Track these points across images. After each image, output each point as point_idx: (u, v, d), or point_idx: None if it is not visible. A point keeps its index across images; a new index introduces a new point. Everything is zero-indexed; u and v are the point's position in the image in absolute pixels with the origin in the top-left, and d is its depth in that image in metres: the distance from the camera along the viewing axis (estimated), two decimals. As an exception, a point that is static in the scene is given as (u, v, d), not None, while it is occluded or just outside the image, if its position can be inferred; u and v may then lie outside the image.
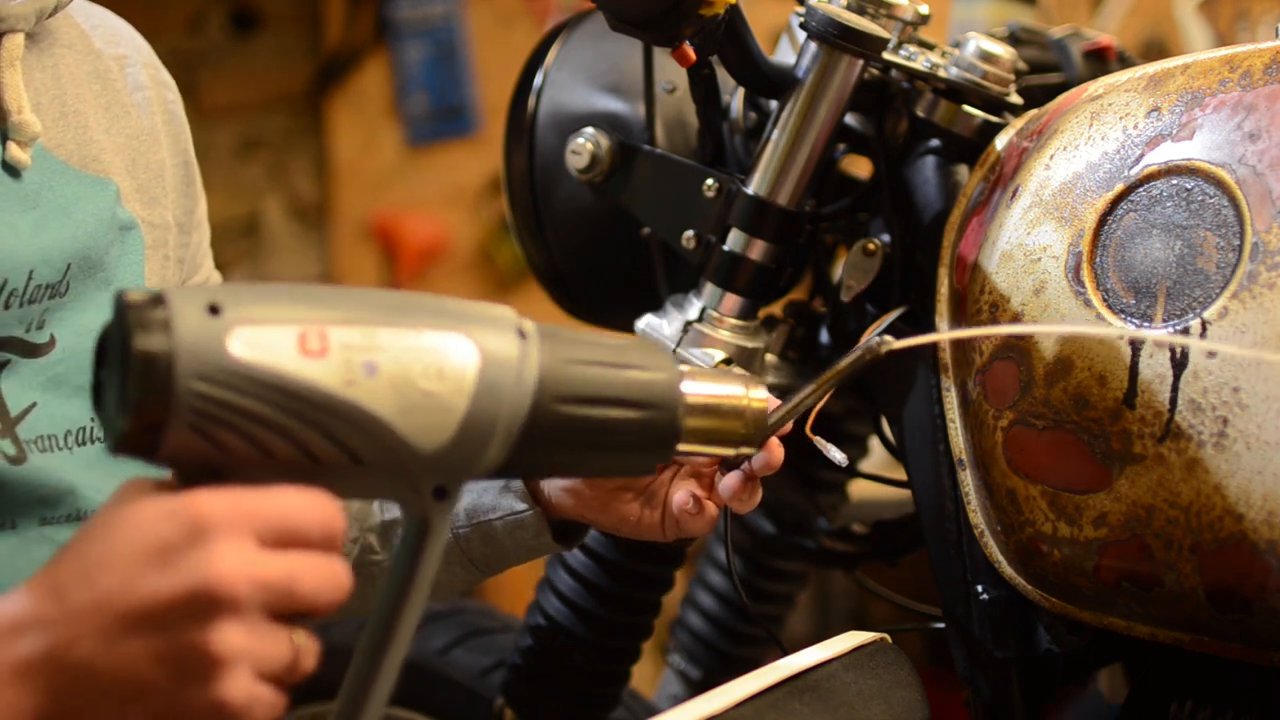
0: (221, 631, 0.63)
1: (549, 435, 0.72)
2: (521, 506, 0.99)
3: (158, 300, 0.63)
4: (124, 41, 1.06)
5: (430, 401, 0.67)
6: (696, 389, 0.79)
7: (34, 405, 0.91)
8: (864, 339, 0.92)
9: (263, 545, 0.64)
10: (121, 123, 1.02)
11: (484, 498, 1.01)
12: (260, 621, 0.64)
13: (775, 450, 0.89)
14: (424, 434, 0.67)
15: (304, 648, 0.66)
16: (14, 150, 0.92)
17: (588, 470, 0.85)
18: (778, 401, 0.88)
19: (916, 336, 0.87)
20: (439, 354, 0.68)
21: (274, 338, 0.64)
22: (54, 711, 0.64)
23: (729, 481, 0.91)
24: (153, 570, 0.63)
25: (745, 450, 0.83)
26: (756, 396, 0.82)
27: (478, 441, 0.69)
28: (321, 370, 0.65)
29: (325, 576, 0.66)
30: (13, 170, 0.92)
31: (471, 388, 0.69)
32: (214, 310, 0.63)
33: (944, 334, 1.02)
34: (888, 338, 0.85)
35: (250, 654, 0.64)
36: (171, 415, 0.62)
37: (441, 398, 0.68)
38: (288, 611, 0.65)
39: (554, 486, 0.98)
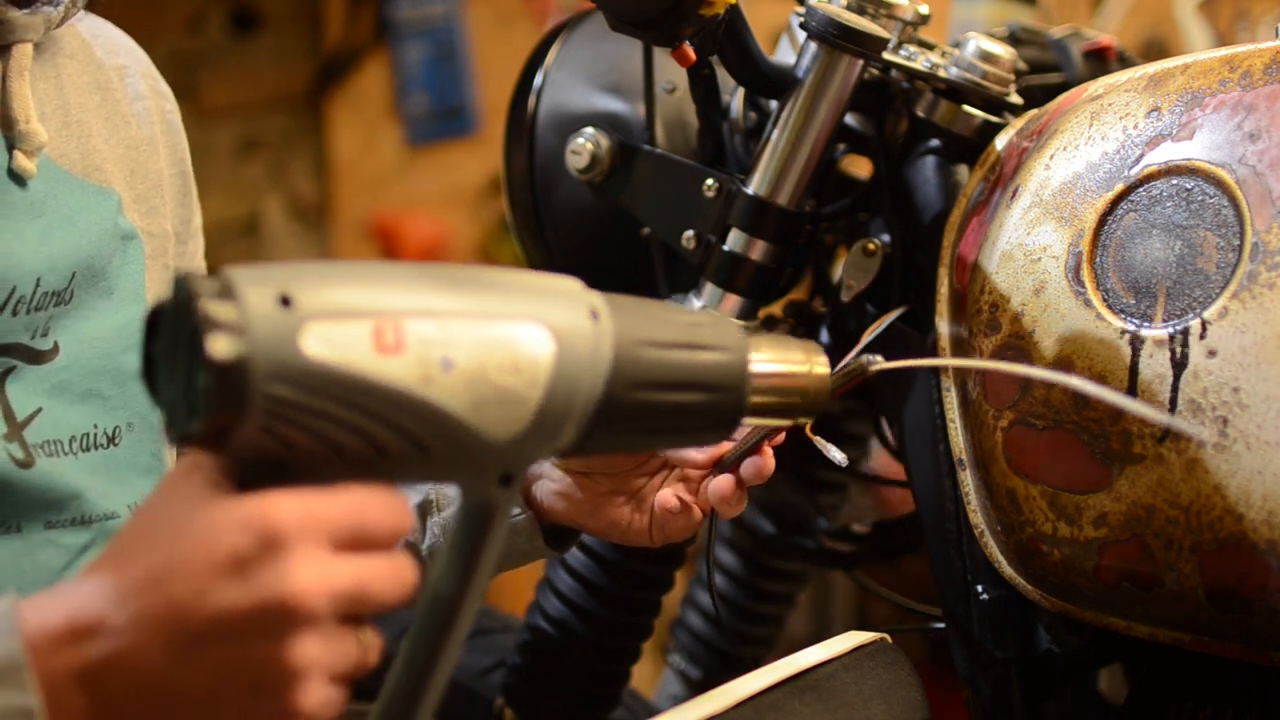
0: (298, 644, 0.62)
1: (619, 420, 0.70)
2: (514, 511, 0.99)
3: (226, 290, 0.61)
4: (123, 52, 1.07)
5: (504, 395, 0.65)
6: (762, 364, 0.77)
7: (40, 410, 0.91)
8: (864, 339, 0.92)
9: (334, 551, 0.63)
10: (121, 132, 1.02)
11: None
12: (333, 628, 0.63)
13: (767, 459, 0.90)
14: (497, 427, 0.65)
15: (369, 644, 0.65)
16: (20, 159, 0.92)
17: (651, 447, 0.83)
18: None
19: (905, 360, 0.88)
20: (514, 346, 0.66)
21: (348, 334, 0.62)
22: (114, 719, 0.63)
23: (717, 485, 0.91)
24: (228, 582, 0.61)
25: (802, 420, 0.81)
26: (819, 367, 0.80)
27: (549, 430, 0.68)
28: (398, 368, 0.62)
29: (394, 577, 0.65)
30: (19, 179, 0.92)
31: (546, 379, 0.67)
32: (285, 301, 0.61)
33: (933, 360, 1.02)
34: (877, 357, 0.85)
35: (324, 663, 0.63)
36: (244, 420, 0.60)
37: (516, 390, 0.66)
38: (358, 614, 0.64)
39: (545, 491, 0.99)
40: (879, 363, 0.83)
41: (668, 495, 0.93)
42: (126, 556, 0.64)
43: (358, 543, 0.64)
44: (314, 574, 0.62)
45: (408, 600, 0.66)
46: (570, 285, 0.70)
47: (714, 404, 0.74)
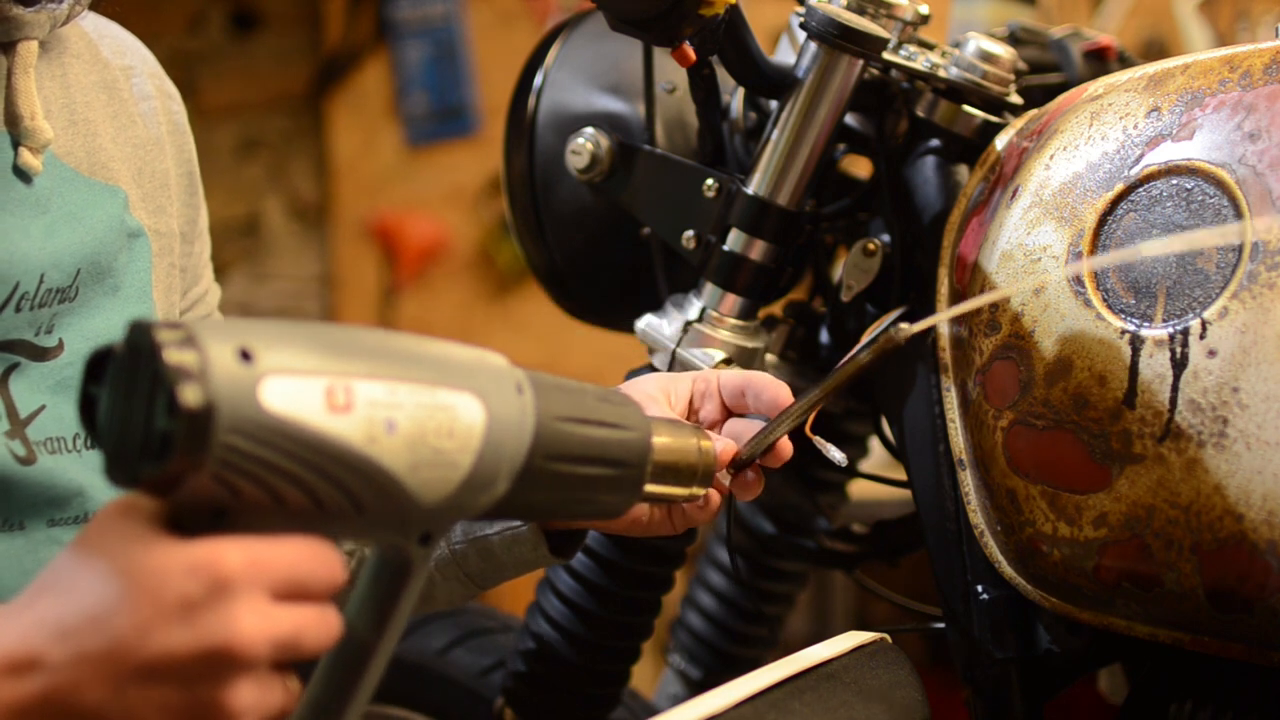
0: (236, 688, 0.63)
1: (533, 488, 0.75)
2: (517, 522, 0.99)
3: (188, 340, 0.62)
4: (130, 52, 1.07)
5: (439, 459, 0.69)
6: (661, 443, 0.85)
7: (43, 408, 0.91)
8: (864, 339, 0.92)
9: (275, 599, 0.65)
10: (128, 132, 1.02)
11: None
12: (267, 674, 0.65)
13: (785, 445, 0.92)
14: (428, 489, 0.69)
15: (293, 690, 0.67)
16: (26, 156, 0.92)
17: (561, 515, 0.88)
18: (729, 445, 0.92)
19: (930, 318, 0.88)
20: (451, 412, 0.69)
21: (303, 391, 0.64)
22: None
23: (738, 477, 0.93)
24: (174, 624, 0.62)
25: (697, 491, 0.89)
26: (706, 447, 0.89)
27: (474, 495, 0.72)
28: (347, 426, 0.65)
29: (324, 628, 0.67)
30: (24, 176, 0.93)
31: (478, 446, 0.71)
32: (245, 356, 0.63)
33: (953, 310, 1.02)
34: (903, 325, 0.85)
35: (257, 707, 0.64)
36: (201, 467, 0.62)
37: (450, 455, 0.69)
38: (289, 661, 0.66)
39: None
40: (906, 329, 0.84)
41: None
42: (64, 593, 0.64)
43: (296, 593, 0.65)
44: (257, 621, 0.63)
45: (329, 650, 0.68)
46: (498, 360, 0.74)
47: (619, 478, 0.81)
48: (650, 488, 0.85)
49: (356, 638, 0.71)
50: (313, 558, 0.66)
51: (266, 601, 0.64)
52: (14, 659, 0.63)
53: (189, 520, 0.65)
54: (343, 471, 0.65)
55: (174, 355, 0.61)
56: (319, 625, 0.66)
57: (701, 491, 0.90)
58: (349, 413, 0.65)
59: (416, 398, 0.68)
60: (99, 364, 0.66)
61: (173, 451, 0.61)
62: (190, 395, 0.61)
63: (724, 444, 0.91)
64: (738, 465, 0.92)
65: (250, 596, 0.63)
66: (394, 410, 0.67)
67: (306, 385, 0.64)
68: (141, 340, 0.62)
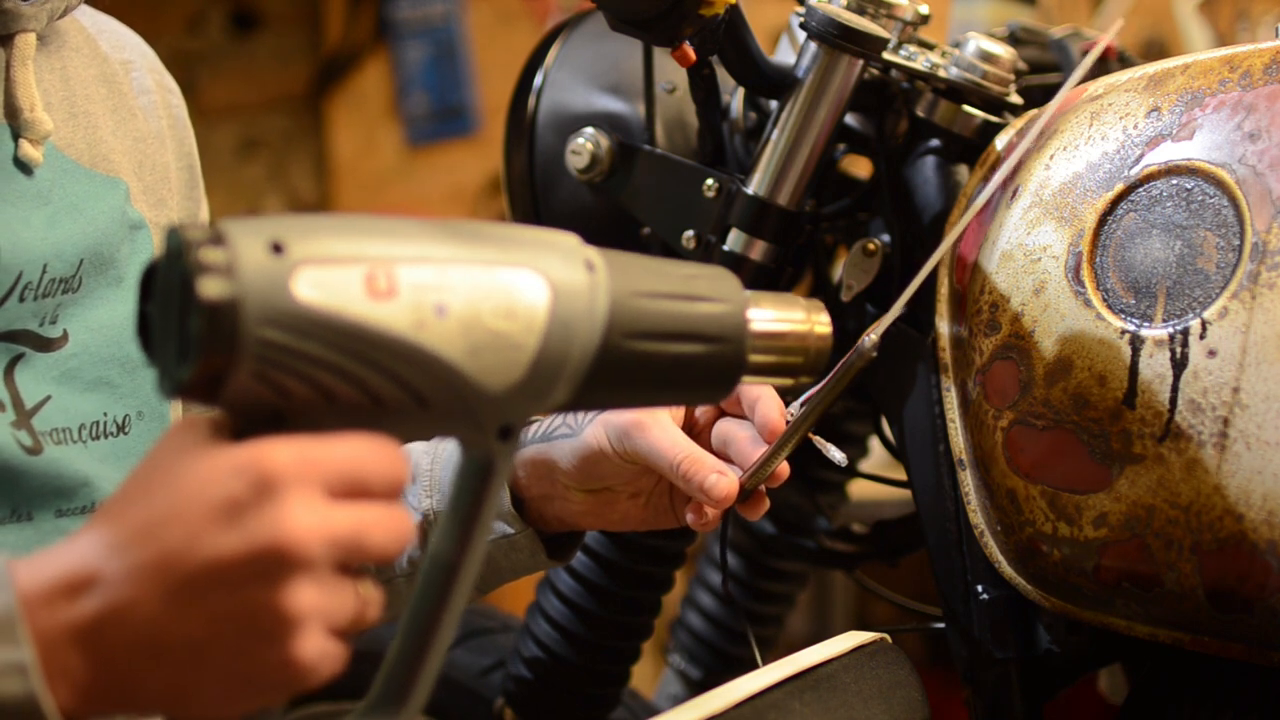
0: (294, 590, 0.61)
1: (616, 371, 0.69)
2: (510, 530, 0.99)
3: (218, 238, 0.60)
4: (129, 47, 1.07)
5: (500, 341, 0.65)
6: (762, 318, 0.77)
7: (49, 398, 0.91)
8: (864, 339, 0.92)
9: (331, 498, 0.62)
10: (128, 125, 1.03)
11: None
12: (329, 576, 0.62)
13: (783, 467, 0.91)
14: (493, 375, 0.65)
15: (369, 598, 0.64)
16: (26, 148, 0.92)
17: (651, 403, 0.82)
18: (772, 395, 0.90)
19: (886, 316, 0.89)
20: (509, 292, 0.65)
21: (340, 279, 0.61)
22: (114, 674, 0.62)
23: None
24: (222, 528, 0.60)
25: (804, 380, 0.80)
26: (820, 324, 0.80)
27: (547, 380, 0.67)
28: (390, 313, 0.62)
29: (391, 527, 0.64)
30: (25, 167, 0.93)
31: (542, 326, 0.66)
32: (277, 248, 0.60)
33: (900, 301, 0.94)
34: (871, 336, 0.86)
35: (321, 611, 0.62)
36: (236, 363, 0.60)
37: (512, 337, 0.65)
38: (355, 564, 0.63)
39: (567, 511, 0.98)
40: (872, 339, 0.84)
41: (688, 516, 0.94)
42: (120, 510, 0.63)
43: (355, 491, 0.63)
44: (309, 519, 0.61)
45: (402, 553, 0.64)
46: (566, 239, 0.69)
47: (713, 356, 0.72)
48: (751, 376, 0.76)
49: (441, 551, 0.68)
50: (372, 453, 0.63)
51: (321, 499, 0.61)
52: (71, 579, 0.62)
53: (245, 427, 0.63)
54: (394, 361, 0.62)
55: (202, 253, 0.59)
56: (385, 524, 0.63)
57: (808, 380, 0.80)
58: (392, 299, 0.62)
59: (469, 278, 0.64)
60: (149, 281, 0.64)
61: (202, 348, 0.59)
62: (211, 288, 0.59)
63: (728, 482, 0.90)
64: (744, 496, 0.92)
65: (302, 493, 0.61)
66: (443, 293, 0.63)
67: (344, 273, 0.61)
68: (174, 243, 0.61)
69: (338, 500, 0.62)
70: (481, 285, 0.64)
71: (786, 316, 0.78)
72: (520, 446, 0.71)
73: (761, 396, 0.92)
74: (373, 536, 0.63)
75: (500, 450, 0.67)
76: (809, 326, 0.79)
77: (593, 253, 0.69)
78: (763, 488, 0.93)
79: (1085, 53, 1.28)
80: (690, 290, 0.72)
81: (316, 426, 0.62)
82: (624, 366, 0.70)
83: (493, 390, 0.65)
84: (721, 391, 0.75)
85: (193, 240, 0.60)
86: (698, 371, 0.73)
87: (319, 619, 0.62)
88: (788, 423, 0.91)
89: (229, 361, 0.60)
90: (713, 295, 0.73)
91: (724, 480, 0.90)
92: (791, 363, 0.78)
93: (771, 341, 0.77)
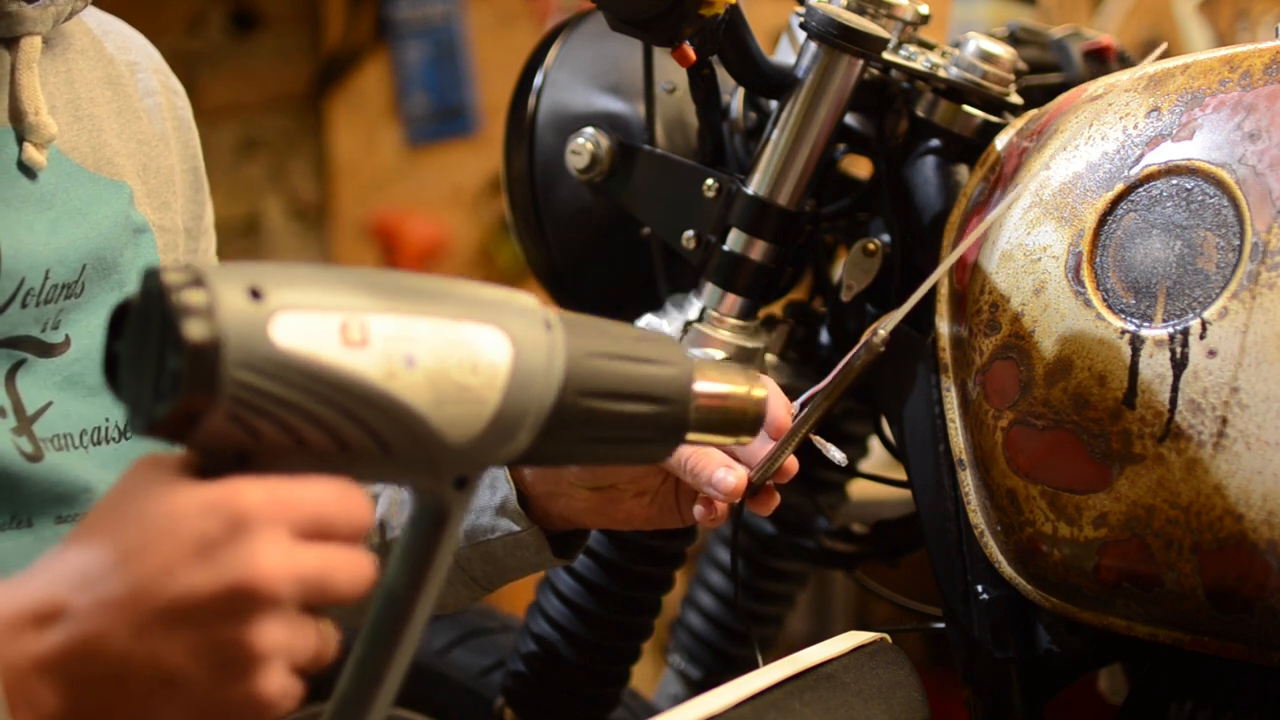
0: (262, 627, 0.62)
1: (569, 427, 0.73)
2: (517, 528, 0.99)
3: (197, 280, 0.62)
4: (135, 48, 1.07)
5: (465, 395, 0.67)
6: (705, 383, 0.81)
7: (50, 404, 0.91)
8: (864, 338, 0.92)
9: (299, 539, 0.63)
10: (133, 127, 1.02)
11: (481, 519, 1.00)
12: (295, 615, 0.64)
13: (791, 462, 0.91)
14: (455, 427, 0.67)
15: (328, 637, 0.66)
16: (30, 151, 0.92)
17: (601, 460, 0.85)
18: (779, 394, 0.90)
19: (898, 311, 0.89)
20: (474, 347, 0.68)
21: (317, 326, 0.63)
22: (81, 706, 0.62)
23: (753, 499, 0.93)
24: (194, 564, 0.61)
25: (744, 439, 0.84)
26: (757, 387, 0.84)
27: (505, 434, 0.69)
28: (363, 361, 0.64)
29: (354, 570, 0.65)
30: (29, 171, 0.93)
31: (504, 382, 0.69)
32: (255, 294, 0.62)
33: (912, 298, 0.96)
34: (880, 331, 0.87)
35: (286, 648, 0.63)
36: (214, 404, 0.61)
37: (475, 391, 0.67)
38: (319, 604, 0.65)
39: (572, 509, 0.98)
40: (882, 334, 0.85)
41: (697, 509, 0.94)
42: (88, 542, 0.64)
43: (321, 533, 0.64)
44: (279, 558, 0.62)
45: (363, 596, 0.66)
46: (526, 299, 0.72)
47: (660, 416, 0.77)
48: (694, 434, 0.81)
49: (395, 589, 0.70)
50: (338, 498, 0.65)
51: (289, 539, 0.63)
52: (39, 610, 0.62)
53: (212, 466, 0.64)
54: (363, 409, 0.64)
55: (182, 295, 0.61)
56: (348, 566, 0.65)
57: (748, 440, 0.85)
58: (365, 348, 0.64)
59: (436, 332, 0.66)
60: (119, 320, 0.65)
61: (182, 388, 0.61)
62: (195, 330, 0.61)
63: (737, 476, 0.90)
64: (753, 491, 0.92)
65: (271, 533, 0.62)
66: (413, 345, 0.65)
67: (320, 320, 0.63)
68: (153, 285, 0.62)
69: (305, 541, 0.64)
70: (448, 339, 0.67)
71: (728, 381, 0.83)
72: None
73: (767, 394, 0.92)
74: (337, 578, 0.65)
75: (456, 499, 0.70)
76: (747, 389, 0.83)
77: (551, 313, 0.73)
78: (771, 483, 0.93)
79: (1085, 53, 1.28)
80: (639, 353, 0.76)
81: (281, 469, 0.64)
82: (577, 423, 0.73)
83: (454, 441, 0.68)
84: (667, 449, 0.79)
85: (173, 283, 0.62)
86: (645, 430, 0.77)
87: (283, 656, 0.63)
88: (794, 419, 0.91)
89: (207, 402, 0.61)
90: (660, 358, 0.77)
91: (733, 474, 0.90)
92: (731, 422, 0.83)
93: (713, 404, 0.81)
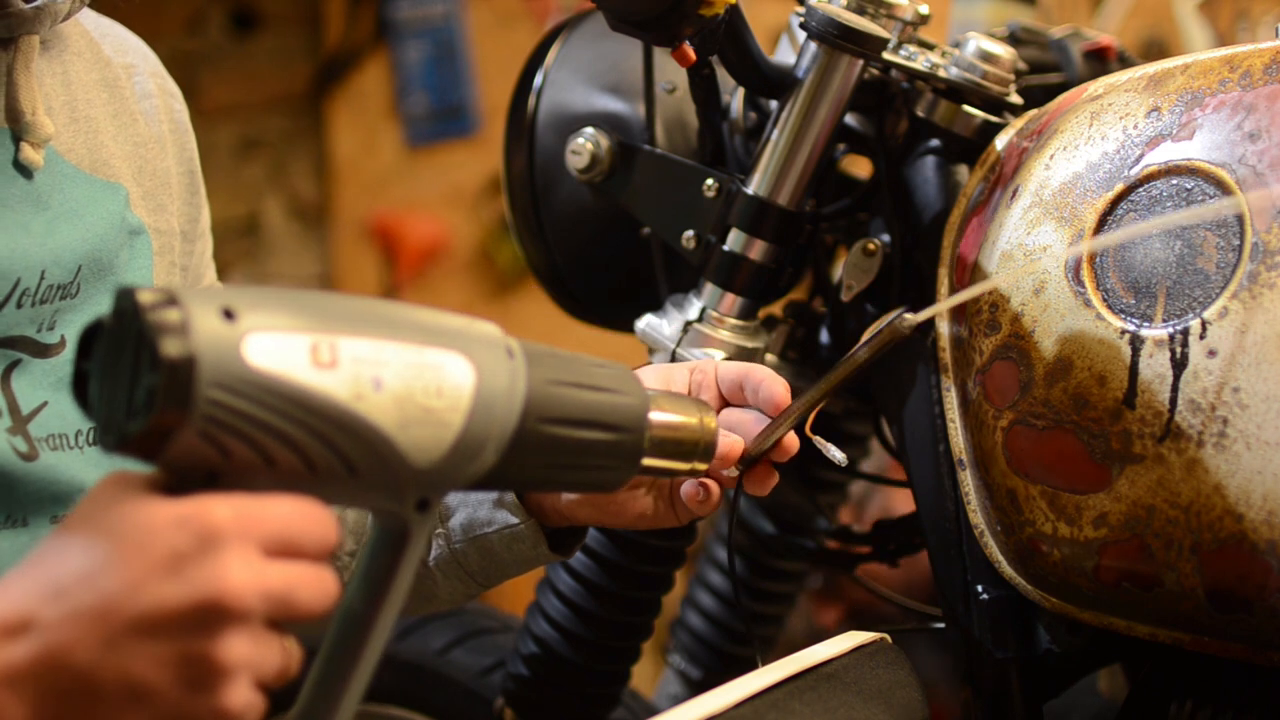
0: (229, 641, 0.63)
1: (530, 452, 0.75)
2: (515, 520, 0.99)
3: (171, 300, 0.63)
4: (131, 51, 1.07)
5: (429, 418, 0.69)
6: (659, 413, 0.84)
7: (45, 404, 0.91)
8: (864, 338, 0.92)
9: (266, 555, 0.65)
10: (129, 130, 1.02)
11: (479, 512, 1.01)
12: (261, 630, 0.65)
13: (791, 439, 0.91)
14: (420, 449, 0.69)
15: (292, 652, 0.67)
16: (27, 151, 0.92)
17: (560, 485, 0.87)
18: (736, 441, 0.90)
19: (934, 306, 0.90)
20: (440, 371, 0.70)
21: (288, 347, 0.65)
22: (49, 717, 0.63)
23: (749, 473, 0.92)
24: (164, 578, 0.63)
25: (698, 466, 0.87)
26: (709, 417, 0.87)
27: (467, 457, 0.71)
28: (333, 382, 0.66)
29: (319, 587, 0.67)
30: (25, 171, 0.93)
31: (468, 406, 0.71)
32: (228, 315, 0.64)
33: (958, 296, 1.00)
34: (907, 315, 0.87)
35: (251, 663, 0.64)
36: (187, 422, 0.63)
37: (440, 414, 0.69)
38: (285, 620, 0.66)
39: (568, 500, 0.98)
40: (911, 318, 0.86)
41: (690, 487, 0.93)
42: (57, 555, 0.65)
43: (288, 550, 0.66)
44: (247, 573, 0.63)
45: (327, 614, 0.68)
46: (488, 327, 0.74)
47: (617, 443, 0.80)
48: (649, 460, 0.84)
49: (355, 609, 0.72)
50: (305, 516, 0.66)
51: (257, 556, 0.64)
52: (7, 621, 0.63)
53: (180, 484, 0.65)
54: (331, 429, 0.66)
55: (158, 314, 0.62)
56: (313, 583, 0.66)
57: (703, 467, 0.88)
58: (334, 369, 0.66)
59: (403, 356, 0.68)
60: (89, 340, 0.67)
61: (156, 404, 0.62)
62: (171, 347, 0.62)
63: (730, 440, 0.90)
64: (746, 462, 0.91)
65: (240, 549, 0.63)
66: (380, 367, 0.67)
67: (291, 341, 0.65)
68: (126, 304, 0.64)
69: (272, 558, 0.65)
70: (414, 363, 0.69)
71: (681, 410, 0.86)
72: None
73: (764, 380, 0.92)
74: (302, 594, 0.66)
75: (417, 521, 0.72)
76: (699, 419, 0.86)
77: (512, 341, 0.75)
78: (769, 462, 0.92)
79: (1085, 53, 1.28)
80: (597, 382, 0.79)
81: (250, 487, 0.65)
82: (537, 448, 0.75)
83: (418, 463, 0.69)
84: (623, 476, 0.82)
85: (148, 302, 0.63)
86: (603, 456, 0.80)
87: (249, 670, 0.65)
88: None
89: (180, 418, 0.62)
90: (617, 388, 0.80)
91: (728, 438, 0.90)
92: (685, 450, 0.86)
93: (667, 434, 0.84)
